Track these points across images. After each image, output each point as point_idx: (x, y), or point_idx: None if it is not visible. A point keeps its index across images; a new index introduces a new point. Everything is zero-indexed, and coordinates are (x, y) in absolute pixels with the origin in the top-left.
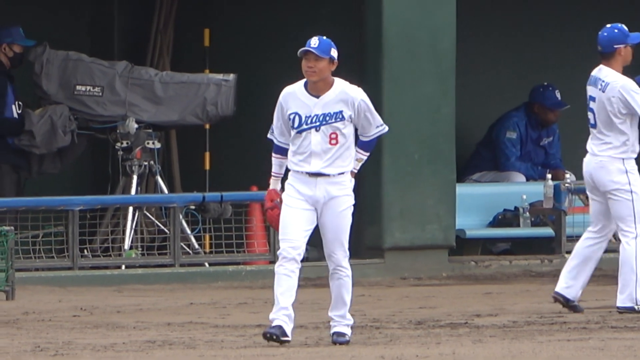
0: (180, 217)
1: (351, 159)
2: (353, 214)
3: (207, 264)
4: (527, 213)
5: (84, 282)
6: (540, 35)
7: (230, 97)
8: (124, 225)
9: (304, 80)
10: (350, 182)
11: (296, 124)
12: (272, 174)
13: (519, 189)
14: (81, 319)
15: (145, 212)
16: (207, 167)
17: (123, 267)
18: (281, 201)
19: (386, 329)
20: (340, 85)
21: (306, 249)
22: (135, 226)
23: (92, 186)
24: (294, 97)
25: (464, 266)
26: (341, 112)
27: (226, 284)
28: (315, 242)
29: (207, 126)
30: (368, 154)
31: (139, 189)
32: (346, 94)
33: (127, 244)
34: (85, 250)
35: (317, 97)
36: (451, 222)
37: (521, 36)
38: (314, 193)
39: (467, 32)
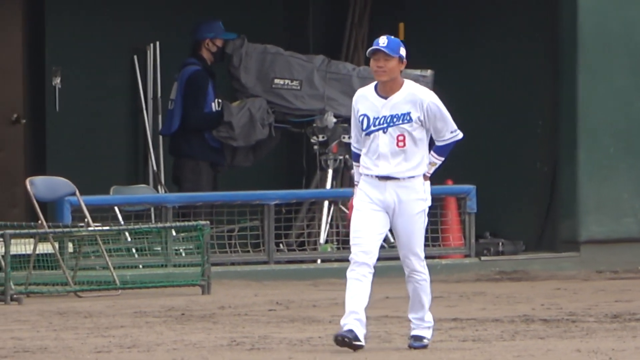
0: None
1: (423, 163)
2: (429, 216)
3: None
4: None
5: (279, 276)
6: None
7: None
8: (320, 219)
9: (375, 82)
10: (422, 186)
11: (365, 126)
12: (355, 182)
13: None
14: (277, 313)
15: (340, 206)
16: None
17: (319, 261)
18: None
19: (582, 323)
20: (410, 87)
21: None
22: (331, 220)
23: (287, 180)
24: (364, 99)
25: None
26: (409, 113)
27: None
28: (511, 235)
29: None
30: (442, 159)
31: (334, 182)
32: (415, 95)
33: (322, 238)
34: (281, 245)
35: (386, 98)
36: None
37: None
38: (384, 197)
39: None
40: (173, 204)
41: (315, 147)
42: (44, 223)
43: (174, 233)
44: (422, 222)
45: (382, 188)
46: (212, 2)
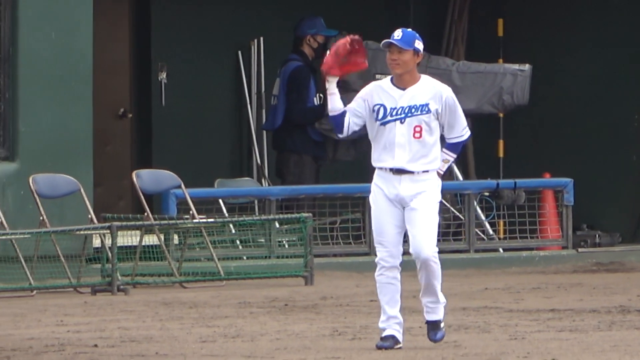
0: (475, 203)
1: (437, 158)
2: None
3: (501, 250)
4: None
5: None
6: None
7: (526, 86)
8: None
9: (391, 76)
10: (436, 181)
11: (380, 115)
12: (328, 90)
13: None
14: (378, 303)
15: (441, 198)
16: (501, 154)
17: None
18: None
19: None
20: (428, 80)
21: None
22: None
23: None
24: (380, 89)
25: None
26: (427, 104)
27: (520, 269)
28: (608, 227)
29: (501, 115)
30: (455, 155)
31: None
32: (434, 87)
33: None
34: None
35: (404, 89)
36: None
37: None
38: (399, 191)
39: None
40: (276, 197)
41: None
42: (150, 215)
43: (277, 225)
44: (435, 216)
45: (397, 182)
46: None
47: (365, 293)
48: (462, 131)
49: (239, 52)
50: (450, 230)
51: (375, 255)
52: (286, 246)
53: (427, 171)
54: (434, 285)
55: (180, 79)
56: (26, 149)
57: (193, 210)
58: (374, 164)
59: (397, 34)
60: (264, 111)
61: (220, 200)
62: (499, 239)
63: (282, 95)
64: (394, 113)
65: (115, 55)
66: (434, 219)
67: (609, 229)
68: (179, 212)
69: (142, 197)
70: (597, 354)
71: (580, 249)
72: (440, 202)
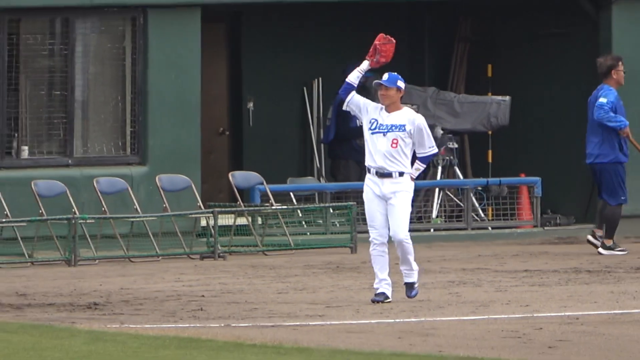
0: (471, 195)
1: (408, 165)
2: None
3: (489, 228)
4: None
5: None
6: None
7: (507, 112)
8: (432, 201)
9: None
10: (408, 182)
11: (373, 127)
12: (359, 70)
13: None
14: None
15: (447, 191)
16: (490, 160)
17: (432, 230)
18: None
19: (615, 273)
20: (408, 109)
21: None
22: (440, 201)
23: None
24: (378, 110)
25: None
26: (404, 125)
27: (504, 242)
28: (565, 211)
29: (490, 132)
30: (424, 166)
31: (442, 175)
32: (409, 115)
33: (434, 213)
34: None
35: (389, 113)
36: None
37: None
38: (382, 190)
39: None
40: (331, 191)
41: None
42: (241, 203)
43: (331, 210)
44: (408, 207)
45: (380, 183)
46: (356, 48)
47: (395, 258)
48: (428, 149)
49: (304, 88)
50: (454, 214)
51: (369, 235)
52: (337, 225)
53: (402, 174)
54: (407, 258)
55: (262, 107)
56: (153, 157)
57: (272, 200)
58: (367, 162)
59: (385, 76)
60: (321, 130)
61: (291, 193)
62: (488, 220)
63: (334, 118)
64: (381, 128)
65: (217, 90)
66: (407, 211)
67: (566, 213)
68: (262, 201)
69: (236, 190)
70: (557, 301)
71: (546, 227)
72: (413, 198)
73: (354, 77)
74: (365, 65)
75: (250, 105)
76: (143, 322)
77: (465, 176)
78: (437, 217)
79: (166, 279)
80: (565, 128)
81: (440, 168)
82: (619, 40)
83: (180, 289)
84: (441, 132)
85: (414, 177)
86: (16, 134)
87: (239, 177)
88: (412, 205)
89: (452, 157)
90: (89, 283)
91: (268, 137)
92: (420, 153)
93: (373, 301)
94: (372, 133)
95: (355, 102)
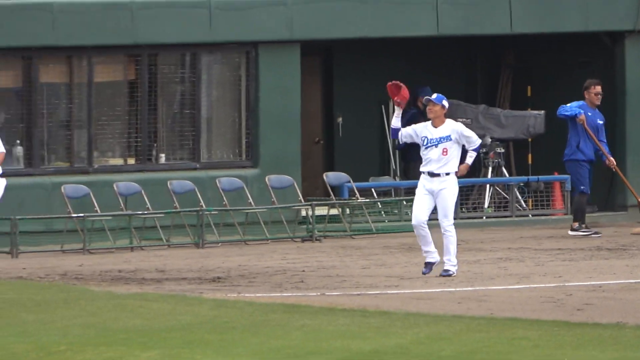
0: (515, 189)
1: (456, 165)
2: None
3: (530, 215)
4: None
5: (464, 226)
6: None
7: (542, 123)
8: (485, 194)
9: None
10: (454, 180)
11: (425, 143)
12: (395, 116)
13: None
14: (468, 245)
15: (496, 187)
16: (530, 161)
17: (484, 217)
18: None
19: (630, 251)
20: (449, 121)
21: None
22: (491, 195)
23: (468, 174)
24: (425, 128)
25: None
26: (449, 135)
27: (541, 226)
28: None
29: (530, 139)
30: (475, 153)
31: (492, 174)
32: (451, 125)
33: (486, 204)
34: (463, 208)
35: (436, 128)
36: None
37: None
38: (432, 187)
39: None
40: (403, 187)
41: (482, 154)
42: (333, 197)
43: (404, 203)
44: (453, 200)
45: (431, 181)
46: (422, 74)
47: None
48: (475, 142)
49: (382, 106)
50: (501, 205)
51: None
52: (409, 215)
53: (448, 174)
54: (450, 248)
55: (349, 121)
56: (264, 161)
57: (357, 194)
58: (421, 168)
59: (433, 95)
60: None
61: (372, 189)
62: (529, 209)
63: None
64: (432, 142)
65: (313, 108)
66: (452, 203)
67: (590, 203)
68: (349, 195)
69: (329, 187)
70: (584, 273)
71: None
72: (458, 193)
73: (395, 122)
74: (397, 110)
75: (340, 120)
76: (256, 292)
77: (510, 175)
78: (488, 207)
79: (274, 258)
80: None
81: (490, 168)
82: (631, 67)
83: (285, 265)
84: (490, 140)
85: (470, 164)
86: (155, 144)
87: (331, 177)
88: (467, 198)
89: (499, 160)
90: (213, 261)
91: (354, 145)
92: (470, 146)
93: (423, 273)
94: (426, 147)
95: (406, 134)
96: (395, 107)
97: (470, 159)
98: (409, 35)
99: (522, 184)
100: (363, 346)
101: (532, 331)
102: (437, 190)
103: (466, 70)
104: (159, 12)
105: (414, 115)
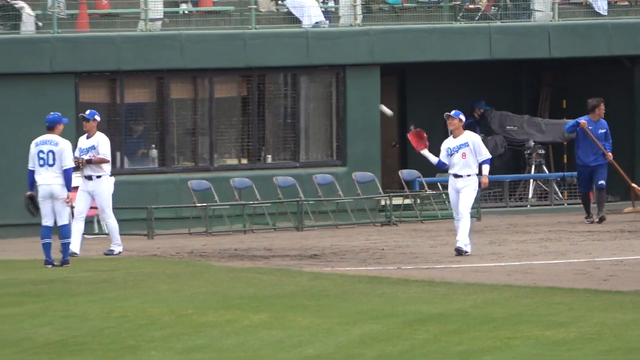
0: (553, 183)
1: (475, 168)
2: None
3: (565, 204)
4: None
5: (512, 213)
6: None
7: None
8: (528, 187)
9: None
10: (475, 180)
11: (449, 152)
12: (432, 158)
13: None
14: (517, 228)
15: (538, 181)
16: (565, 161)
17: (528, 205)
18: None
19: None
20: (468, 132)
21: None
22: (534, 187)
23: (514, 171)
24: (447, 141)
25: None
26: (466, 142)
27: (574, 213)
28: (613, 192)
29: (564, 142)
30: (488, 166)
31: (535, 171)
32: (468, 135)
33: (530, 195)
34: (512, 198)
35: (455, 138)
36: None
37: None
38: (457, 185)
39: None
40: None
41: (526, 155)
42: (407, 190)
43: None
44: (472, 196)
45: (456, 181)
46: (479, 91)
47: (504, 225)
48: (484, 155)
49: (445, 114)
50: (542, 196)
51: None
52: None
53: (469, 175)
54: (464, 230)
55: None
56: (350, 161)
57: (426, 187)
58: (449, 171)
59: (452, 112)
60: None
61: (438, 183)
62: (564, 199)
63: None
64: (453, 149)
65: (389, 118)
66: (471, 198)
67: (613, 193)
68: (420, 188)
69: (403, 182)
70: (609, 250)
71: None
72: (478, 191)
73: (433, 159)
74: (425, 153)
75: (412, 127)
76: (345, 266)
77: (549, 171)
78: (532, 197)
79: (359, 239)
80: (617, 139)
81: (533, 166)
82: None
83: (368, 245)
84: (533, 143)
85: (487, 175)
86: (263, 147)
87: (405, 173)
88: (515, 190)
89: (541, 159)
90: (311, 242)
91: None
92: (480, 159)
93: (456, 255)
94: (450, 155)
95: (444, 156)
96: (421, 152)
97: (485, 170)
98: (467, 59)
99: (559, 179)
100: (431, 309)
101: (567, 297)
102: (461, 187)
103: (513, 87)
104: (266, 42)
105: (471, 123)
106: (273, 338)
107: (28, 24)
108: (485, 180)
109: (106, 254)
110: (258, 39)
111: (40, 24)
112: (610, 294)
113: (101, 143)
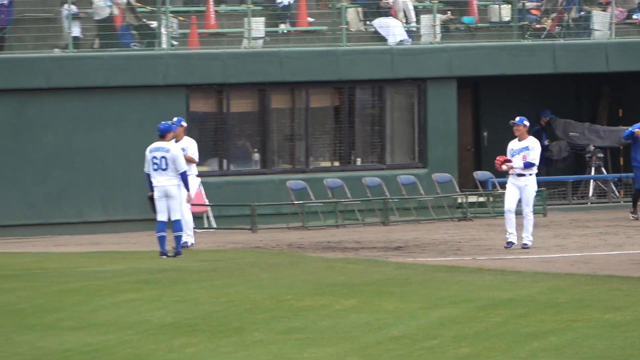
0: (611, 183)
1: (534, 170)
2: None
3: (622, 202)
4: None
5: (574, 209)
6: None
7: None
8: (589, 187)
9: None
10: (534, 179)
11: (512, 153)
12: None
13: None
14: (577, 223)
15: (597, 182)
16: (621, 163)
17: (589, 203)
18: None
19: None
20: (531, 138)
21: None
22: (593, 187)
23: (575, 172)
24: (513, 143)
25: None
26: (527, 147)
27: (622, 210)
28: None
29: (621, 147)
30: (524, 167)
31: (595, 172)
32: (531, 141)
33: (590, 193)
34: (574, 197)
35: (520, 142)
36: None
37: None
38: (518, 183)
39: None
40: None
41: (587, 158)
42: (481, 189)
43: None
44: (533, 193)
45: (518, 179)
46: (540, 100)
47: (566, 220)
48: (531, 160)
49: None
50: (601, 194)
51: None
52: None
53: (531, 174)
54: (529, 228)
55: (492, 135)
56: (431, 163)
57: (498, 187)
58: (509, 171)
59: (517, 119)
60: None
61: (497, 183)
62: (621, 197)
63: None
64: (515, 152)
65: (466, 125)
66: (532, 196)
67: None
68: (492, 188)
69: (478, 182)
70: (622, 239)
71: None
72: (537, 192)
73: (520, 166)
74: (508, 168)
75: (485, 134)
76: (426, 257)
77: (607, 172)
78: (592, 195)
79: (439, 232)
80: None
81: (593, 168)
82: None
83: (446, 238)
84: (593, 147)
85: (514, 167)
86: (353, 151)
87: (479, 174)
88: (577, 189)
89: (600, 162)
90: (396, 235)
91: (496, 152)
92: (527, 159)
93: (505, 248)
94: (512, 155)
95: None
96: (504, 167)
97: (520, 164)
98: (534, 73)
99: (616, 179)
100: (502, 295)
101: (624, 284)
102: (522, 186)
103: (575, 97)
104: (356, 57)
105: (537, 130)
106: (362, 321)
107: (163, 42)
108: (510, 164)
109: (182, 247)
110: (349, 55)
111: (175, 42)
112: None
113: (190, 145)
